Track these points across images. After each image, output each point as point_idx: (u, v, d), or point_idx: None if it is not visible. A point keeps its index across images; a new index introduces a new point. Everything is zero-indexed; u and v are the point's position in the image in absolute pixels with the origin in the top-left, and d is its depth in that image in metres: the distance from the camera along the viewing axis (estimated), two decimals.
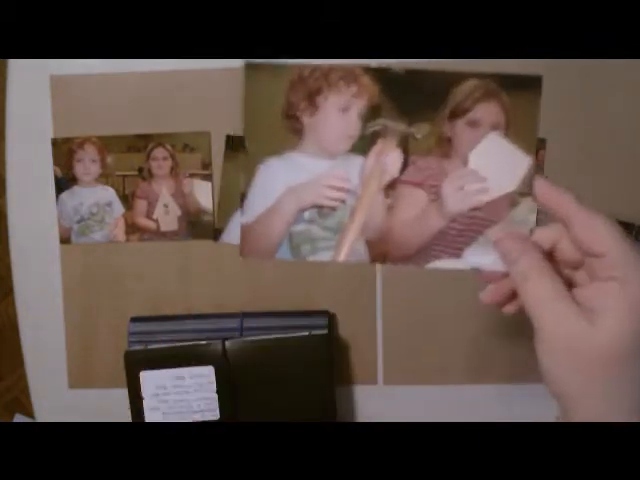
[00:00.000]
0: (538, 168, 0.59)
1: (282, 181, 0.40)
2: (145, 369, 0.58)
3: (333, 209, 0.41)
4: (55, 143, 0.62)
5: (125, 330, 0.61)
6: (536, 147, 0.40)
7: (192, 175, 0.61)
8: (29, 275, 0.64)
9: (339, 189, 0.40)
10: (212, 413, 0.58)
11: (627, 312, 0.33)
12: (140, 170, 0.61)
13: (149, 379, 0.58)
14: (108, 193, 0.62)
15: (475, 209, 0.40)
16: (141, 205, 0.62)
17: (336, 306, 0.61)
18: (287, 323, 0.60)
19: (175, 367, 0.58)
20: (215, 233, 0.60)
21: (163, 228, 0.62)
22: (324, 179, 0.40)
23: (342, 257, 0.41)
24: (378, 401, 0.63)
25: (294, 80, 0.40)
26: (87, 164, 0.62)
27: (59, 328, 0.63)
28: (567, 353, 0.34)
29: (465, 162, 0.40)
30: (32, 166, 0.62)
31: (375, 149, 0.40)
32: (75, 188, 0.62)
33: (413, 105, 0.39)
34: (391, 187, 0.40)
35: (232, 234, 0.59)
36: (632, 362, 0.34)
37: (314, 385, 0.58)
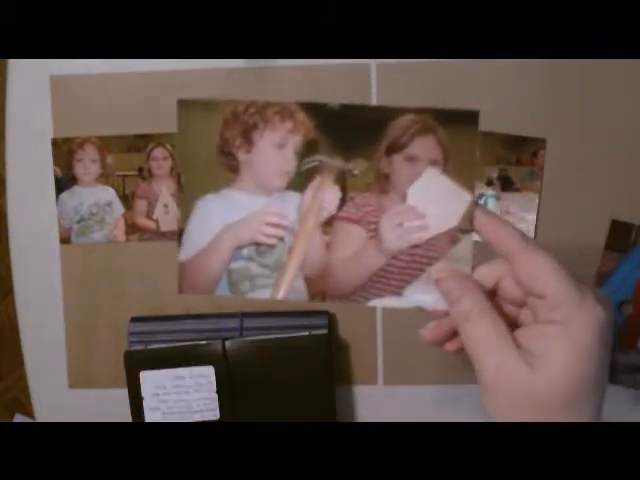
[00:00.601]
0: (538, 169, 0.59)
1: (219, 218, 0.40)
2: (145, 369, 0.58)
3: (271, 246, 0.40)
4: (55, 143, 0.62)
5: (125, 330, 0.61)
6: (474, 180, 0.38)
7: None
8: (29, 275, 0.64)
9: (276, 226, 0.40)
10: (212, 413, 0.58)
11: (569, 357, 0.32)
12: (140, 170, 0.61)
13: (149, 379, 0.58)
14: (108, 193, 0.62)
15: (415, 246, 0.39)
16: (141, 205, 0.62)
17: (336, 306, 0.61)
18: (287, 323, 0.60)
19: (175, 367, 0.58)
20: None
21: (163, 228, 0.62)
22: (261, 216, 0.40)
23: (281, 295, 0.40)
24: (378, 401, 0.63)
25: (228, 117, 0.39)
26: (87, 164, 0.62)
27: (59, 328, 0.63)
28: (510, 400, 0.33)
29: (403, 198, 0.39)
30: (32, 166, 0.62)
31: (312, 185, 0.39)
32: (75, 188, 0.62)
33: (350, 141, 0.38)
34: (329, 224, 0.39)
35: None
36: (576, 407, 0.33)
37: (314, 385, 0.58)
